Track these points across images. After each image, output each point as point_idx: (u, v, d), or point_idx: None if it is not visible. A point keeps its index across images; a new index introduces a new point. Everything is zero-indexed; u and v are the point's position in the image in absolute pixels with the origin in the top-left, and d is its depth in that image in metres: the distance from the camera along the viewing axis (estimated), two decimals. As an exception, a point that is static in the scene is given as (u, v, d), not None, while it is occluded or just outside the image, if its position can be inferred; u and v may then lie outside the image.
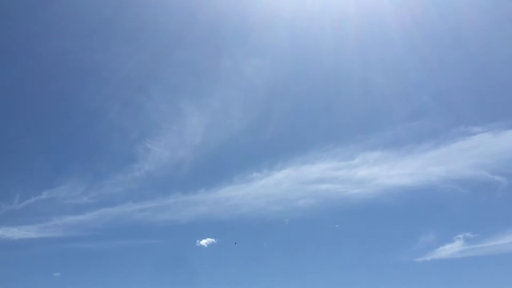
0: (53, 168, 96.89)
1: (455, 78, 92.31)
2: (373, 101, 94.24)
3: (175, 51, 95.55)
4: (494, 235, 78.04)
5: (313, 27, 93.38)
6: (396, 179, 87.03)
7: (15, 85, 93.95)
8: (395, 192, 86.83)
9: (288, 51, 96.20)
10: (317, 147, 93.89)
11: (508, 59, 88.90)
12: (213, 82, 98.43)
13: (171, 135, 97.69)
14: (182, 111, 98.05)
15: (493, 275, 76.87)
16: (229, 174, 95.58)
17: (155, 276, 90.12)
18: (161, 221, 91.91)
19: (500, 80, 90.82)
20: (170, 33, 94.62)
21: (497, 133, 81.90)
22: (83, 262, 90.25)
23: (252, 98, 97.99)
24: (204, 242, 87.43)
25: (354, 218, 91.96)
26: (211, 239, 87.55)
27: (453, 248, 78.36)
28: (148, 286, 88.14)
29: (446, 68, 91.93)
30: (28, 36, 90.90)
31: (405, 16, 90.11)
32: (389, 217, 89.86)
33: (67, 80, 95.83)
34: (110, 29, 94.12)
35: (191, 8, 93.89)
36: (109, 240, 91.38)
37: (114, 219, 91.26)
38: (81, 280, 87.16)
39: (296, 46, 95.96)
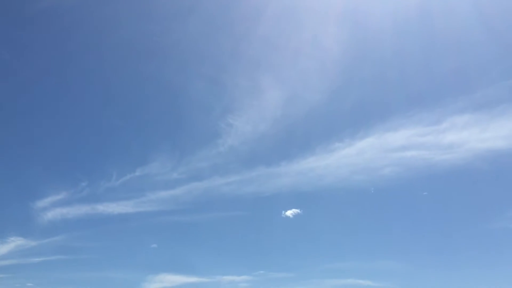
0: (144, 147, 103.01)
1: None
2: (461, 60, 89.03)
3: (252, 26, 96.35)
4: None
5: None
6: (489, 143, 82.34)
7: (100, 68, 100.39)
8: (488, 156, 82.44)
9: (365, 18, 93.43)
10: (400, 113, 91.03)
11: None
12: (291, 55, 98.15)
13: (252, 110, 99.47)
14: (261, 86, 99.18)
15: None
16: (311, 145, 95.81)
17: (242, 247, 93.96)
18: (247, 194, 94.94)
19: None
20: (246, 9, 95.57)
21: None
22: (177, 234, 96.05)
23: (330, 68, 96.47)
24: (289, 213, 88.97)
25: (443, 185, 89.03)
26: (296, 210, 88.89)
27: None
28: (236, 256, 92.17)
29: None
30: (113, 21, 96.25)
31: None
32: (482, 183, 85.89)
33: (151, 62, 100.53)
34: (189, 11, 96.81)
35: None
36: (199, 213, 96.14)
37: (203, 193, 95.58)
38: (176, 251, 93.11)
39: (373, 12, 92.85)
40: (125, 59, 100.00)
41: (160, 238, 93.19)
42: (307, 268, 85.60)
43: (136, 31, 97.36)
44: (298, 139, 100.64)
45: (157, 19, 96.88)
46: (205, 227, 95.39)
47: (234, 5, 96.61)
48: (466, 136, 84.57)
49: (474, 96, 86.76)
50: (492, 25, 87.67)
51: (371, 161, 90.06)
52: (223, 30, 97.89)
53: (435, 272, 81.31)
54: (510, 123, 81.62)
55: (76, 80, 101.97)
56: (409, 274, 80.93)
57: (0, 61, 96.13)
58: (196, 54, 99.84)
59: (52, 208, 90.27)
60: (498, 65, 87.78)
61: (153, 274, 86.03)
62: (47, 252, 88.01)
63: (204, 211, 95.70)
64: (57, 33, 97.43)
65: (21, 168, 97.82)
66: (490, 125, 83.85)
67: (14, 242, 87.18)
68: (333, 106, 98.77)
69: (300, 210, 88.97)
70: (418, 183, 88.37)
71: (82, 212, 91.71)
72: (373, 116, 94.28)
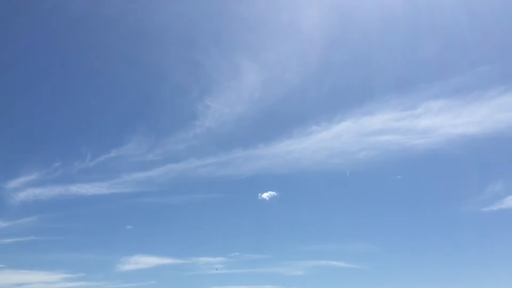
0: (120, 127, 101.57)
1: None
2: (436, 47, 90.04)
3: (231, 8, 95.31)
4: None
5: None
6: (462, 128, 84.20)
7: (77, 48, 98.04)
8: (460, 141, 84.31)
9: (345, 3, 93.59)
10: (377, 98, 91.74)
11: None
12: (269, 37, 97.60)
13: (230, 92, 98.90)
14: (239, 68, 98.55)
15: None
16: (288, 128, 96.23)
17: (218, 229, 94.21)
18: (223, 176, 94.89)
19: None
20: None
21: None
22: (152, 216, 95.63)
23: (309, 51, 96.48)
24: (265, 195, 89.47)
25: (417, 169, 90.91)
26: (273, 193, 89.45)
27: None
28: (212, 238, 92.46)
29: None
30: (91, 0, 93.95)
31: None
32: (454, 167, 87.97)
33: (129, 42, 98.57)
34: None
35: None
36: (175, 195, 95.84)
37: (179, 175, 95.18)
38: (151, 233, 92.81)
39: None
40: (102, 39, 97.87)
41: (135, 219, 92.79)
42: (282, 250, 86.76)
43: (114, 10, 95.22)
44: (275, 122, 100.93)
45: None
46: (181, 209, 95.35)
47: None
48: (440, 121, 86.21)
49: (449, 82, 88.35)
50: (467, 15, 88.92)
51: (347, 145, 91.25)
52: (202, 11, 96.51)
53: (408, 254, 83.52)
54: (482, 109, 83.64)
55: (51, 59, 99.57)
56: (382, 256, 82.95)
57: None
58: (175, 35, 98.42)
59: (25, 188, 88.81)
60: (472, 52, 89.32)
61: (127, 256, 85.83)
62: (19, 233, 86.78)
63: (180, 193, 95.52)
64: (35, 12, 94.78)
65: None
66: (463, 111, 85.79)
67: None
68: (311, 89, 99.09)
69: (277, 193, 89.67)
70: (392, 166, 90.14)
71: (55, 193, 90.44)
72: (350, 100, 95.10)
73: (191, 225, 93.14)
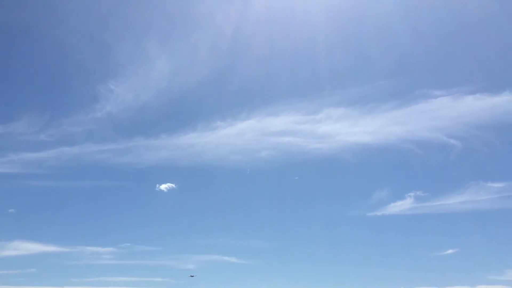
0: (9, 102, 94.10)
1: (421, 42, 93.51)
2: (341, 58, 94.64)
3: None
4: (442, 195, 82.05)
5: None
6: (357, 136, 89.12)
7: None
8: (354, 149, 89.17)
9: (262, 2, 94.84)
10: (283, 100, 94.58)
11: (473, 26, 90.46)
12: (182, 26, 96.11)
13: (136, 78, 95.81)
14: (148, 54, 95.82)
15: (439, 232, 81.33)
16: (193, 121, 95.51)
17: (110, 218, 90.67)
18: (121, 164, 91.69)
19: (463, 47, 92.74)
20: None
21: (457, 97, 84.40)
22: (39, 199, 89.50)
23: (221, 46, 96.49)
24: (164, 187, 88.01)
25: (313, 172, 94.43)
26: (171, 184, 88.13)
27: (403, 205, 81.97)
28: (102, 227, 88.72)
29: (412, 31, 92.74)
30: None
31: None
32: (346, 173, 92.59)
33: (23, 11, 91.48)
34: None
35: None
36: (66, 179, 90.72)
37: (72, 159, 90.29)
38: (36, 217, 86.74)
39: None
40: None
41: (20, 202, 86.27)
42: (175, 243, 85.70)
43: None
44: (180, 113, 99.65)
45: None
46: (71, 194, 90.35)
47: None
48: (338, 128, 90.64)
49: (350, 92, 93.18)
50: (371, 30, 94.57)
51: (250, 143, 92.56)
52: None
53: (296, 252, 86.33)
54: (377, 120, 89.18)
55: None
56: (272, 252, 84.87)
57: None
58: (81, 10, 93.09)
59: None
60: (373, 66, 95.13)
61: (6, 241, 79.50)
62: None
63: (72, 177, 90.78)
64: None
65: None
66: (360, 120, 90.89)
67: None
68: (220, 84, 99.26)
69: (175, 185, 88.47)
70: (291, 168, 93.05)
71: None
72: (257, 99, 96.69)
73: (80, 212, 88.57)
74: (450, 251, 76.03)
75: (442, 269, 75.46)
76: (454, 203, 79.78)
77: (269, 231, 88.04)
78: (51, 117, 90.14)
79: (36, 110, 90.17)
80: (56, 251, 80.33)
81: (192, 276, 74.09)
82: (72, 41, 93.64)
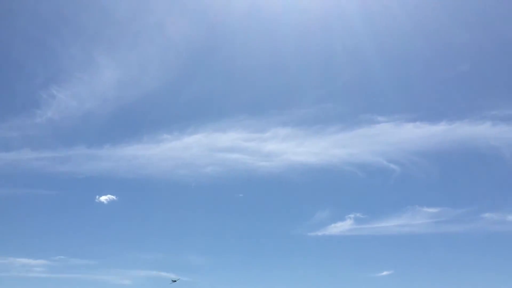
0: None
1: (367, 69, 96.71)
2: (290, 79, 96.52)
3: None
4: (381, 218, 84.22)
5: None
6: (302, 157, 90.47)
7: None
8: (299, 168, 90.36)
9: (215, 16, 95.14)
10: (231, 116, 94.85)
11: (416, 59, 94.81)
12: (134, 36, 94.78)
13: (81, 84, 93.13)
14: (96, 61, 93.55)
15: (376, 254, 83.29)
16: (138, 132, 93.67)
17: (44, 229, 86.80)
18: (60, 173, 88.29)
19: (406, 77, 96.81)
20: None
21: (398, 124, 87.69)
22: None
23: (172, 58, 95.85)
24: (104, 198, 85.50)
25: (258, 190, 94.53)
26: (112, 196, 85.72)
27: (343, 226, 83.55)
28: (35, 238, 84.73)
29: (358, 58, 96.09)
30: None
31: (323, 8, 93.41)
32: (290, 192, 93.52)
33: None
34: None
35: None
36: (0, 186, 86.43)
37: (8, 165, 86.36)
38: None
39: (223, 12, 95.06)
40: None
41: None
42: (112, 257, 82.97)
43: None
44: (126, 124, 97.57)
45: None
46: (3, 201, 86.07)
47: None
48: (284, 147, 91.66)
49: (297, 112, 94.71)
50: (319, 52, 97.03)
51: (196, 158, 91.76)
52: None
53: (239, 270, 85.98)
54: (322, 142, 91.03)
55: None
56: (213, 270, 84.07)
57: None
58: (26, 11, 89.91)
59: None
60: (320, 88, 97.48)
61: None
62: None
63: (6, 184, 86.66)
64: None
65: None
66: (306, 141, 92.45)
67: None
68: (169, 97, 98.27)
69: (116, 197, 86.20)
70: (236, 184, 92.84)
71: None
72: (206, 113, 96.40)
73: (11, 221, 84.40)
74: (385, 272, 78.12)
75: (377, 290, 77.33)
76: (391, 226, 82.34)
77: (210, 247, 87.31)
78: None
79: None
80: (-19, 263, 75.99)
81: (174, 281, 72.05)
82: (14, 42, 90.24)
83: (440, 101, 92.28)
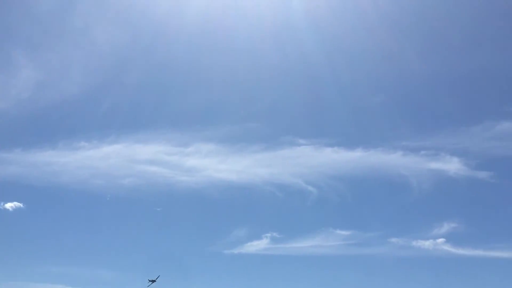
0: None
1: (293, 91, 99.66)
2: (217, 95, 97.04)
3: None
4: (296, 238, 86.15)
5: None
6: (224, 174, 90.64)
7: None
8: (220, 185, 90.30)
9: (143, 24, 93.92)
10: (154, 128, 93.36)
11: (337, 84, 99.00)
12: (56, 38, 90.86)
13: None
14: (13, 60, 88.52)
15: (290, 274, 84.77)
16: (53, 138, 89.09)
17: None
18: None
19: (329, 102, 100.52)
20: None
21: (318, 148, 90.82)
22: None
23: (95, 63, 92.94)
24: (9, 205, 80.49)
25: (177, 204, 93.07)
26: (19, 204, 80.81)
27: (260, 245, 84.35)
28: None
29: (286, 79, 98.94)
30: None
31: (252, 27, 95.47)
32: (209, 208, 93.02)
33: None
34: None
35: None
36: None
37: None
38: None
39: (152, 20, 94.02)
40: None
41: None
42: (14, 269, 77.77)
43: None
44: (41, 128, 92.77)
45: None
46: None
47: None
48: (206, 163, 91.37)
49: (221, 129, 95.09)
50: (245, 73, 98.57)
51: (115, 169, 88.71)
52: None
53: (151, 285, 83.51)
54: (244, 160, 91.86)
55: None
56: (124, 285, 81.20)
57: None
58: None
59: None
60: (245, 108, 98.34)
61: None
62: None
63: None
64: None
65: None
66: (228, 158, 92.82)
67: None
68: (89, 103, 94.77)
69: (24, 205, 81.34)
70: (154, 198, 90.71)
71: None
72: (127, 123, 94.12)
73: None
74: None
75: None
76: (305, 247, 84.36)
77: (122, 262, 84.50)
78: None
79: None
80: None
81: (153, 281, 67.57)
82: None
83: (358, 129, 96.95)
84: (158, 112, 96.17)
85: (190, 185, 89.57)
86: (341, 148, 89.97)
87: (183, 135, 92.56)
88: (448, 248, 77.72)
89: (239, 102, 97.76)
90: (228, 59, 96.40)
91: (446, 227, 79.94)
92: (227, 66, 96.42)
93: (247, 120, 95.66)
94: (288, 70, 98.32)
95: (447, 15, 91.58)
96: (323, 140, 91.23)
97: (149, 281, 70.98)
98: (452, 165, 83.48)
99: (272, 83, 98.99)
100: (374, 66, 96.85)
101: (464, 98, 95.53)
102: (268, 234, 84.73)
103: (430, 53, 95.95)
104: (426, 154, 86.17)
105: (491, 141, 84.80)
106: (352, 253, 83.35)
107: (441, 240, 78.40)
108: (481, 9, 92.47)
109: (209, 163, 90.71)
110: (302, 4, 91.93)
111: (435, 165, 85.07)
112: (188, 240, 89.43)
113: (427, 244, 78.94)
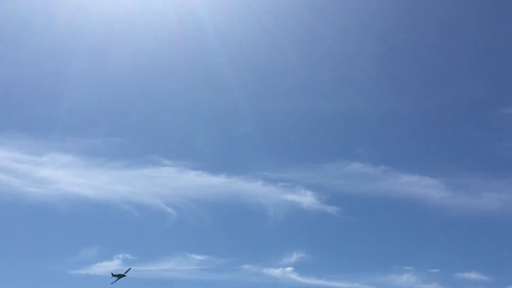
0: None
1: (160, 108, 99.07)
2: (81, 105, 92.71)
3: None
4: (150, 260, 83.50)
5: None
6: (79, 188, 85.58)
7: None
8: (73, 200, 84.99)
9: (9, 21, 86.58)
10: (4, 132, 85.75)
11: (207, 110, 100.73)
12: None
13: None
14: None
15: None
16: None
17: None
18: None
19: (197, 126, 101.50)
20: None
21: (182, 170, 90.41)
22: None
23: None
24: None
25: (21, 217, 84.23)
26: None
27: (110, 266, 79.67)
28: None
29: (154, 95, 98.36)
30: None
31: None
32: (58, 224, 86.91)
33: None
34: None
35: None
36: None
37: None
38: None
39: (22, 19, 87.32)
40: None
41: None
42: None
43: None
44: None
45: None
46: None
47: None
48: (61, 175, 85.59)
49: (82, 141, 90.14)
50: (111, 83, 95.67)
51: None
52: None
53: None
54: (103, 175, 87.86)
55: None
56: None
57: None
58: None
59: None
60: (111, 121, 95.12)
61: None
62: None
63: None
64: None
65: None
66: (86, 172, 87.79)
67: None
68: None
69: None
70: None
71: None
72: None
73: None
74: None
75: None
76: (159, 270, 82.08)
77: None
78: None
79: None
80: None
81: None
82: None
83: (224, 155, 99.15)
84: (11, 116, 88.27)
85: (39, 197, 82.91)
86: (205, 172, 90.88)
87: (38, 142, 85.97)
88: (295, 277, 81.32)
89: (106, 114, 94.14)
90: (99, 66, 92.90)
91: (295, 256, 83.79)
92: (98, 73, 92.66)
93: (112, 135, 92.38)
94: (162, 90, 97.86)
95: (314, 59, 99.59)
96: (189, 163, 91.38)
97: (113, 275, 67.89)
98: (306, 198, 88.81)
99: (142, 99, 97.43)
100: (245, 97, 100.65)
101: (322, 137, 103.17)
102: (121, 255, 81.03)
103: (298, 93, 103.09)
104: (283, 186, 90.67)
105: (341, 179, 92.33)
106: (205, 278, 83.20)
107: (289, 269, 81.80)
108: (348, 52, 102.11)
109: (64, 176, 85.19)
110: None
111: (291, 196, 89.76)
112: (27, 257, 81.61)
113: (276, 272, 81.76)
